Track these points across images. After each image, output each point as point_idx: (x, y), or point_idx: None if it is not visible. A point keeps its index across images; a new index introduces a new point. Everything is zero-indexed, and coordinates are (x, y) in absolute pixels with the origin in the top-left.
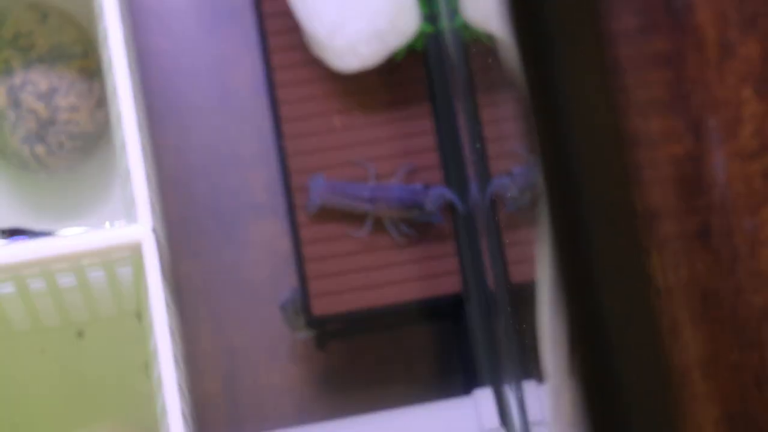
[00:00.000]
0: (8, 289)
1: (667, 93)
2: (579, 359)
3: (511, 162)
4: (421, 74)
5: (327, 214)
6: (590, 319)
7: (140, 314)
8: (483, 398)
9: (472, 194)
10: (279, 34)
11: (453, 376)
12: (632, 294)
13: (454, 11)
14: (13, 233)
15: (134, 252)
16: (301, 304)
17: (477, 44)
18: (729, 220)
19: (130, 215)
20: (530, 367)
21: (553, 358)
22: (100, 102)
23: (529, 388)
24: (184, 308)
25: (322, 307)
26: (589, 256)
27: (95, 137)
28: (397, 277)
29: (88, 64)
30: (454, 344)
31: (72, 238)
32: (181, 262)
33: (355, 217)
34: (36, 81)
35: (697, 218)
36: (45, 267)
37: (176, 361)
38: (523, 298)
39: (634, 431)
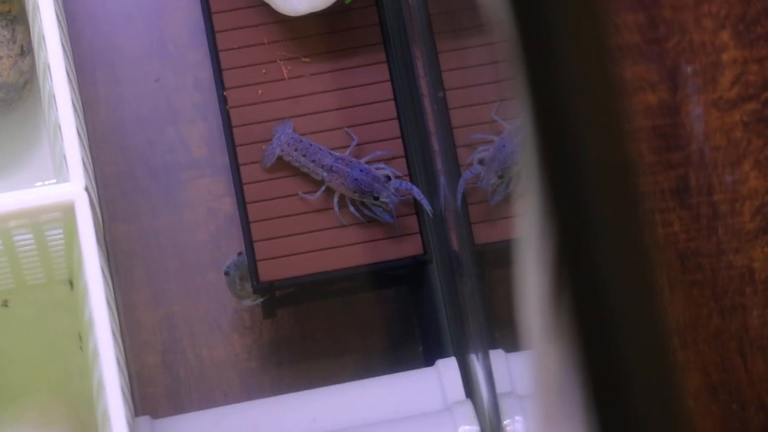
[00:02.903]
0: None
1: (639, 38)
2: (573, 320)
3: (479, 135)
4: (375, 18)
5: (276, 171)
6: (585, 276)
7: (73, 281)
8: (447, 369)
9: (440, 181)
10: None
11: (413, 345)
12: (630, 246)
13: None
14: None
15: (66, 213)
16: (247, 269)
17: None
18: (708, 175)
19: (61, 173)
20: (499, 335)
21: (538, 323)
22: (24, 50)
23: (497, 357)
24: (118, 275)
25: (269, 271)
26: (585, 211)
27: (19, 88)
28: (351, 239)
29: (10, 9)
30: (414, 311)
31: None
32: (114, 224)
33: (308, 180)
34: None
35: (674, 174)
36: None
37: (114, 332)
38: (494, 259)
39: (633, 393)
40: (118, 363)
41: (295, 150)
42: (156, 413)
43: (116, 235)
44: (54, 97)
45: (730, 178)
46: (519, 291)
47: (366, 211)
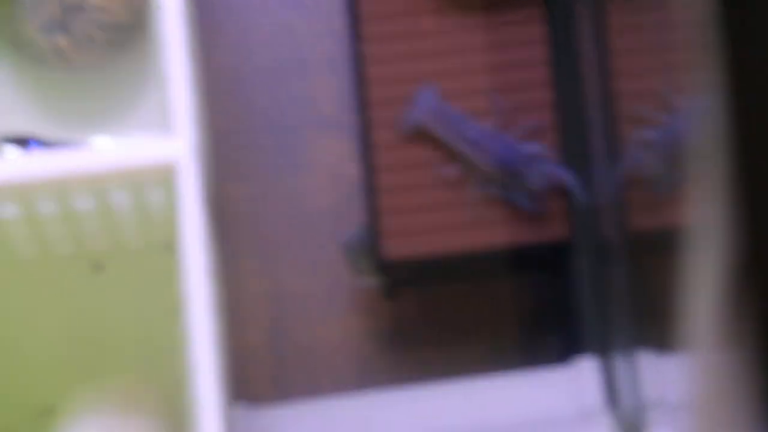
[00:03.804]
0: (13, 210)
1: None
2: (760, 326)
3: (645, 110)
4: None
5: (410, 137)
6: None
7: (171, 247)
8: (585, 368)
9: (596, 168)
10: None
11: (548, 339)
12: None
13: None
14: (24, 142)
15: (168, 173)
16: (370, 244)
17: None
18: None
19: (166, 125)
20: (650, 334)
21: (710, 326)
22: None
23: (646, 359)
24: (225, 240)
25: (395, 248)
26: None
27: (130, 29)
28: (489, 218)
29: None
30: (552, 302)
31: (94, 155)
32: (225, 185)
33: (444, 150)
34: None
35: None
36: (59, 187)
37: (213, 306)
38: (652, 249)
39: None
40: (216, 343)
41: (438, 119)
42: (256, 398)
43: (227, 198)
44: (166, 39)
45: None
46: (685, 288)
47: (506, 193)
